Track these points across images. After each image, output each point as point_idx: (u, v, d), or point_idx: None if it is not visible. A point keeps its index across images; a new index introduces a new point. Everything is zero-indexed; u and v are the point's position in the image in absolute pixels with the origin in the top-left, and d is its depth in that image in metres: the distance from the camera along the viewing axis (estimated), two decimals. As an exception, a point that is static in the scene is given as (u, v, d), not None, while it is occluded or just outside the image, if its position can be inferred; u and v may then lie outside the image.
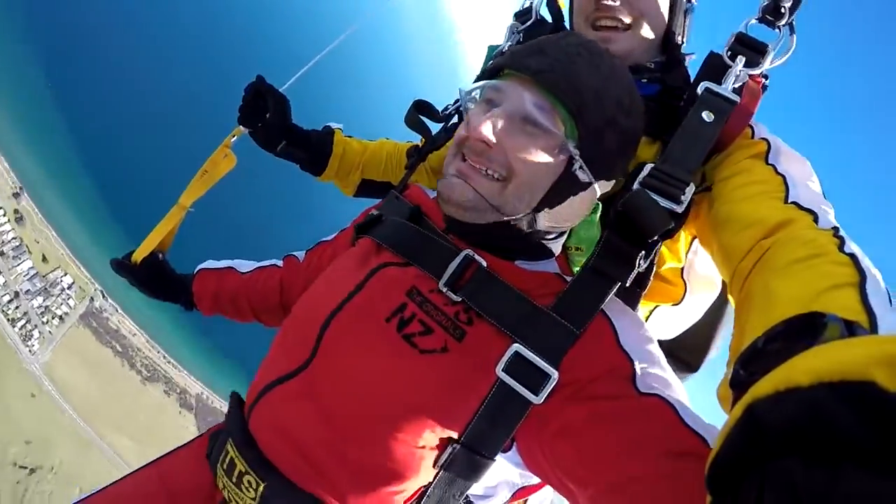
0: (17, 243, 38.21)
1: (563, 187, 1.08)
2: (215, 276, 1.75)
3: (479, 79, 1.46)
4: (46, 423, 29.32)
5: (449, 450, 0.99)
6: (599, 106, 1.06)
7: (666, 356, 1.14)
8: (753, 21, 1.35)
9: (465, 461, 0.99)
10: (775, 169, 1.09)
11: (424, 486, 1.03)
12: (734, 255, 1.01)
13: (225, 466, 1.11)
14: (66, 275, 36.47)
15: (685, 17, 1.50)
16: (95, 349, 35.61)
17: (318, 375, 1.08)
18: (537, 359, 0.95)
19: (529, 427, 0.96)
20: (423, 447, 1.00)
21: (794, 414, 0.42)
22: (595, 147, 1.06)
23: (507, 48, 1.72)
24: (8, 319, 33.58)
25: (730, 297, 1.02)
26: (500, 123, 1.05)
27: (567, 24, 1.62)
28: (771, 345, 0.61)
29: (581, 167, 1.06)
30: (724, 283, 1.20)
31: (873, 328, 0.65)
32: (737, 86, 1.25)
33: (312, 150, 1.89)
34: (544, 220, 1.11)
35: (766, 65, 1.30)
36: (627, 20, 1.41)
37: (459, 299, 1.05)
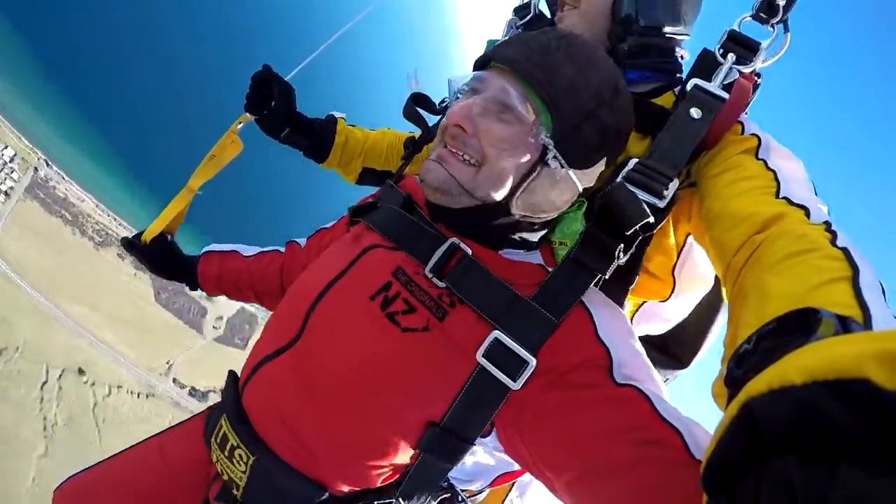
0: (-52, 122, 35.85)
1: (537, 176, 1.10)
2: (219, 259, 1.82)
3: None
4: (4, 303, 31.42)
5: (429, 432, 1.02)
6: (575, 97, 1.07)
7: (657, 351, 1.32)
8: (748, 18, 1.34)
9: (445, 444, 1.03)
10: (766, 164, 1.09)
11: (405, 466, 1.09)
12: (727, 250, 1.00)
13: (218, 440, 1.17)
14: (6, 147, 35.03)
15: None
16: (45, 220, 36.00)
17: (303, 352, 1.12)
18: (516, 346, 0.98)
19: (508, 413, 0.99)
20: (403, 427, 1.04)
21: (789, 412, 0.42)
22: (571, 139, 1.08)
23: None
24: (-49, 204, 32.98)
25: (723, 292, 1.01)
26: (476, 110, 1.09)
27: None
28: (764, 342, 0.61)
29: (556, 157, 1.08)
30: (717, 279, 1.27)
31: (867, 322, 0.64)
32: (727, 83, 1.26)
33: (315, 138, 1.97)
34: (518, 207, 1.13)
35: (758, 63, 1.29)
36: None
37: (444, 285, 1.08)
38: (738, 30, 1.32)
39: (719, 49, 1.29)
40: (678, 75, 1.43)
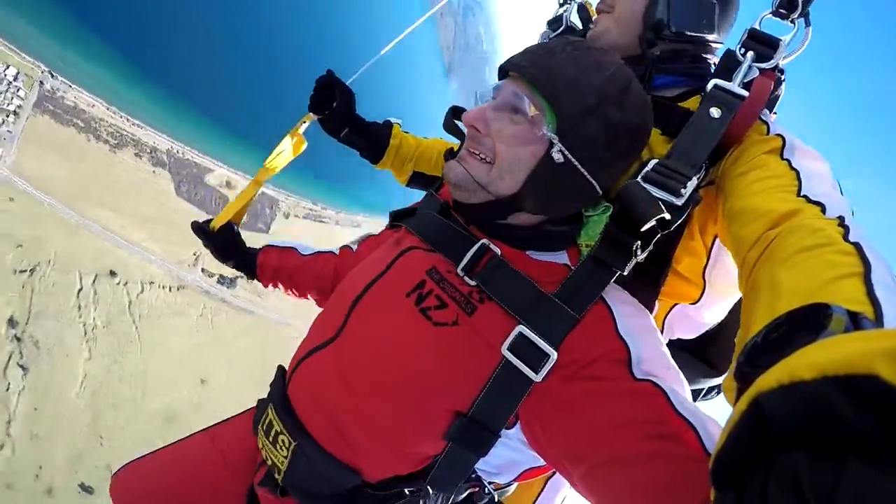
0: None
1: (545, 171, 1.16)
2: (278, 253, 2.00)
3: None
4: (31, 221, 32.68)
5: (456, 422, 1.08)
6: (576, 94, 1.13)
7: (693, 357, 1.46)
8: (768, 15, 1.35)
9: (471, 434, 1.08)
10: (790, 164, 1.11)
11: (434, 456, 1.15)
12: (743, 246, 1.03)
13: (264, 428, 1.28)
14: (8, 67, 33.36)
15: (682, 3, 1.45)
16: (58, 132, 35.37)
17: (343, 345, 1.23)
18: (539, 340, 1.03)
19: (531, 404, 1.05)
20: (432, 416, 1.10)
21: (798, 408, 0.42)
22: (575, 133, 1.13)
23: None
24: (-39, 135, 32.40)
25: (739, 287, 1.02)
26: (489, 113, 1.19)
27: None
28: (774, 337, 0.61)
29: (560, 150, 1.13)
30: None
31: (878, 319, 0.65)
32: (747, 81, 1.28)
33: (372, 140, 2.13)
34: (530, 203, 1.19)
35: (778, 59, 1.30)
36: (610, 1, 1.51)
37: (474, 283, 1.15)
38: (758, 28, 1.34)
39: (740, 48, 1.33)
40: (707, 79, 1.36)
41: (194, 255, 42.66)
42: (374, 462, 1.17)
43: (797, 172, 1.07)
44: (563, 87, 1.12)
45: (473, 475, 1.22)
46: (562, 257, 1.21)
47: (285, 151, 1.96)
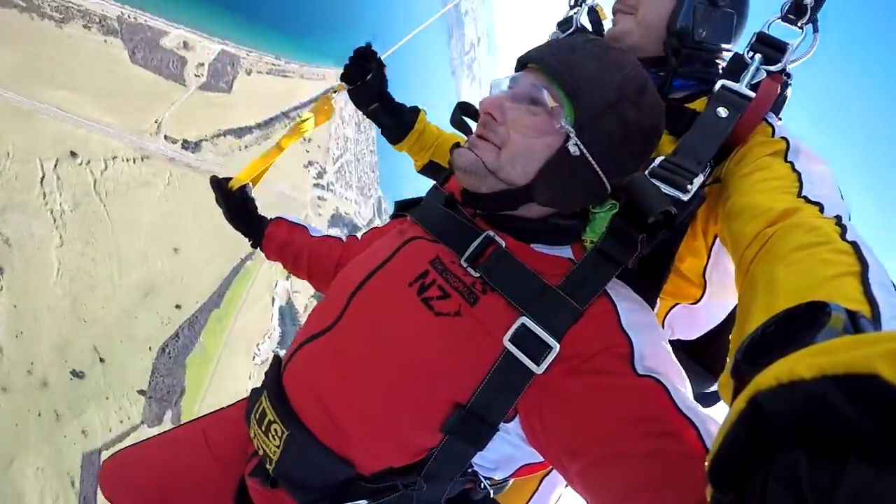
0: None
1: (559, 163, 1.15)
2: (288, 228, 1.95)
3: None
4: None
5: (454, 414, 1.06)
6: (596, 90, 1.14)
7: (691, 361, 1.44)
8: (777, 20, 1.38)
9: (469, 426, 1.07)
10: (793, 166, 1.13)
11: (430, 448, 1.12)
12: (741, 243, 1.04)
13: (257, 416, 1.25)
14: None
15: (703, 14, 1.49)
16: None
17: (341, 334, 1.21)
18: (541, 331, 1.03)
19: (531, 397, 1.03)
20: (430, 407, 1.09)
21: (797, 406, 0.42)
22: (593, 129, 1.14)
23: None
24: None
25: (735, 285, 1.04)
26: (506, 102, 1.18)
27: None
28: (773, 334, 0.61)
29: (576, 144, 1.13)
30: None
31: (876, 318, 0.66)
32: (754, 82, 1.31)
33: (398, 120, 2.16)
34: (541, 194, 1.18)
35: (786, 62, 1.33)
36: (633, 3, 1.54)
37: (478, 274, 1.14)
38: (766, 32, 1.38)
39: (748, 51, 1.36)
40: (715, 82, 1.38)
41: (156, 122, 41.74)
42: (368, 453, 1.16)
43: (799, 175, 1.10)
44: (584, 83, 1.14)
45: (469, 470, 1.19)
46: (566, 252, 1.22)
47: (311, 119, 1.96)
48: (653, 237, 1.09)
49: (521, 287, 1.10)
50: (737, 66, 1.35)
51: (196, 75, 47.20)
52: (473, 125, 1.44)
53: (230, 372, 46.25)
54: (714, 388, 1.77)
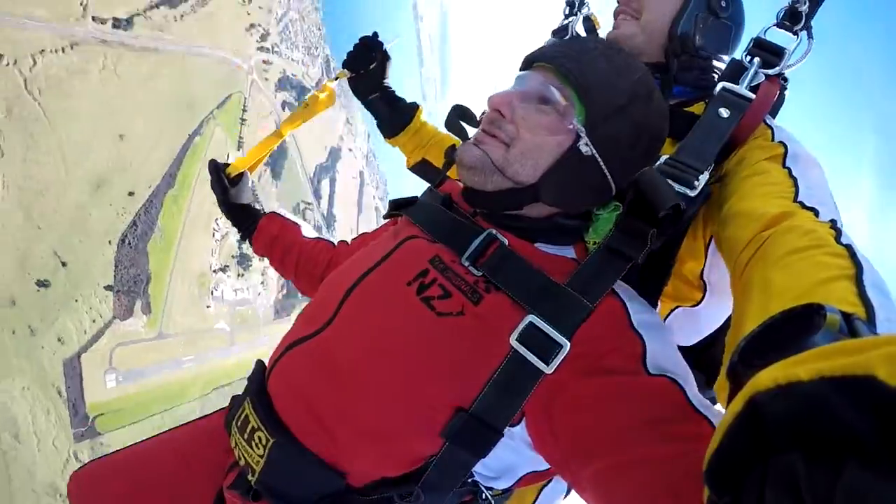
0: None
1: (569, 163, 1.14)
2: (281, 223, 1.88)
3: None
4: None
5: (456, 418, 0.99)
6: (607, 91, 1.13)
7: (691, 369, 1.32)
8: (773, 27, 1.42)
9: (472, 432, 1.00)
10: (790, 172, 1.14)
11: (428, 457, 1.04)
12: (736, 246, 1.04)
13: (239, 424, 1.16)
14: None
15: (704, 23, 1.54)
16: None
17: (333, 336, 1.13)
18: (551, 329, 0.98)
19: (539, 399, 0.97)
20: (430, 412, 1.02)
21: (795, 408, 0.42)
22: (603, 129, 1.13)
23: None
24: None
25: (730, 289, 1.04)
26: (515, 99, 1.16)
27: None
28: (768, 336, 0.61)
29: (587, 144, 1.12)
30: None
31: (871, 320, 0.66)
32: (753, 85, 1.34)
33: (396, 113, 2.12)
34: (549, 194, 1.16)
35: (783, 66, 1.38)
36: (637, 7, 1.57)
37: (480, 273, 1.09)
38: (763, 37, 1.42)
39: (746, 55, 1.39)
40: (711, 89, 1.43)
41: (80, 4, 36.51)
42: (361, 462, 1.07)
43: (795, 180, 1.11)
44: (596, 83, 1.14)
45: (470, 479, 1.11)
46: (569, 252, 1.19)
47: (312, 105, 1.91)
48: (663, 232, 1.09)
49: (527, 284, 1.05)
50: (735, 71, 1.39)
51: (115, -57, 39.73)
52: (471, 131, 1.52)
53: (193, 251, 46.94)
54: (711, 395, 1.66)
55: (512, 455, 1.10)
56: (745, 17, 1.65)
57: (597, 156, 1.14)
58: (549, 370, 0.96)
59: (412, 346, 1.06)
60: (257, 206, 1.94)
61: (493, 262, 1.10)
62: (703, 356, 1.67)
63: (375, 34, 2.03)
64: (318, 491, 1.11)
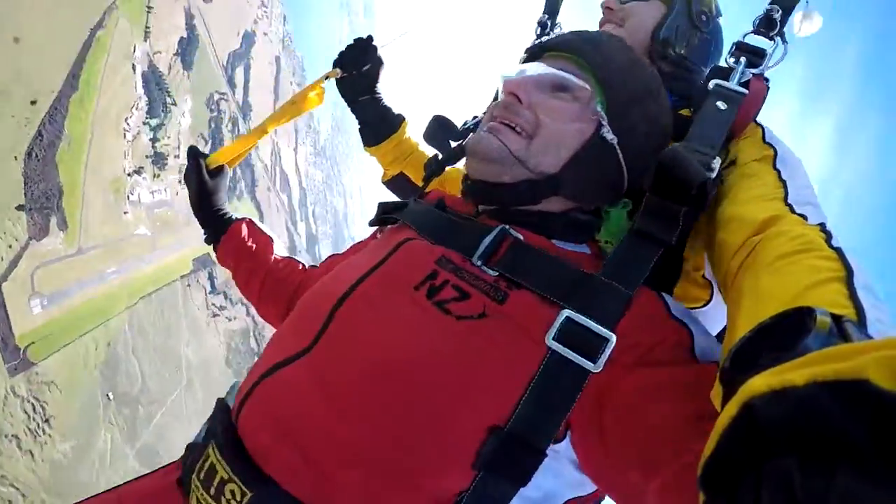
0: None
1: (591, 151, 1.11)
2: (253, 232, 1.75)
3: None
4: None
5: (491, 441, 0.87)
6: (626, 81, 1.15)
7: None
8: (751, 34, 1.51)
9: (512, 456, 0.87)
10: (779, 175, 1.15)
11: (458, 494, 0.89)
12: (727, 252, 1.02)
13: (202, 476, 0.98)
14: None
15: (686, 33, 1.65)
16: None
17: (325, 355, 0.99)
18: (591, 323, 0.90)
19: (586, 404, 0.89)
20: (457, 436, 0.89)
21: (789, 412, 0.42)
22: (623, 119, 1.13)
23: None
24: None
25: (721, 294, 1.04)
26: (530, 84, 1.13)
27: None
28: (760, 340, 0.61)
29: (608, 131, 1.12)
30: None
31: (861, 321, 0.65)
32: (742, 82, 1.39)
33: (382, 121, 2.09)
34: (569, 186, 1.13)
35: (766, 66, 1.46)
36: (622, 15, 1.68)
37: (496, 273, 1.01)
38: (744, 41, 1.50)
39: (730, 57, 1.47)
40: (687, 100, 1.53)
41: None
42: None
43: (784, 183, 1.11)
44: (617, 73, 1.13)
45: None
46: (584, 249, 1.14)
47: (299, 103, 1.85)
48: (692, 211, 1.06)
49: (555, 278, 0.98)
50: (722, 73, 1.43)
51: None
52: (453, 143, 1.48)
53: (104, 156, 43.84)
54: None
55: (553, 480, 0.96)
56: (723, 36, 1.75)
57: (615, 146, 1.13)
58: (596, 368, 0.88)
59: (428, 357, 0.93)
60: (229, 210, 1.79)
61: (510, 258, 1.02)
62: None
63: (370, 37, 1.94)
64: None
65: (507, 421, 0.88)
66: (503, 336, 0.94)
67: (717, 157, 1.16)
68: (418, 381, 0.92)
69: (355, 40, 1.95)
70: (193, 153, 1.75)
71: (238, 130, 58.29)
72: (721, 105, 1.29)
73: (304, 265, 1.72)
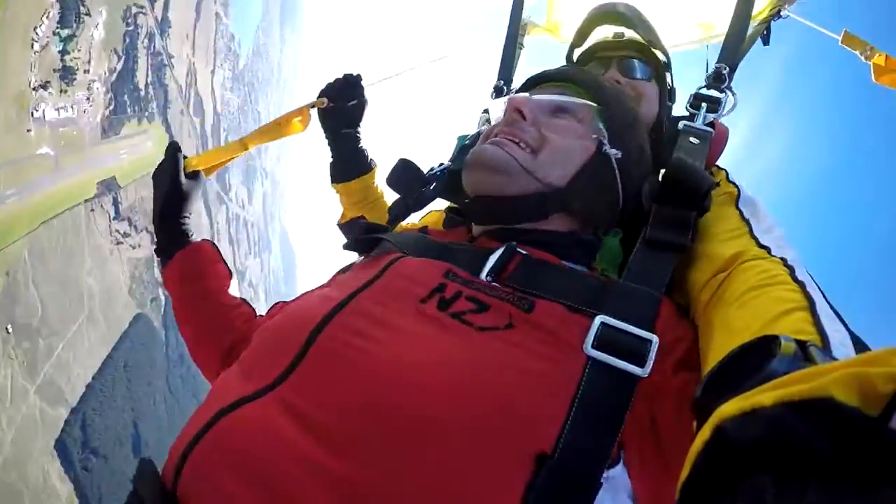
0: None
1: (596, 168, 1.15)
2: (214, 258, 1.60)
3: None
4: None
5: (542, 472, 0.73)
6: (621, 107, 1.22)
7: None
8: (703, 88, 1.74)
9: (565, 488, 0.73)
10: (741, 214, 1.21)
11: None
12: (695, 287, 1.05)
13: None
14: None
15: (668, 109, 1.90)
16: None
17: (306, 385, 0.84)
18: (629, 326, 0.86)
19: (638, 416, 0.82)
20: (500, 470, 0.73)
21: (759, 432, 0.43)
22: (620, 140, 1.18)
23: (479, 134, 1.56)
24: None
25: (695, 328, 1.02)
26: (534, 104, 1.17)
27: None
28: (729, 369, 0.62)
29: (609, 147, 1.16)
30: None
31: (826, 346, 0.68)
32: (706, 123, 1.55)
33: (356, 159, 2.15)
34: (576, 200, 1.14)
35: (723, 112, 1.68)
36: (631, 94, 1.77)
37: (509, 289, 0.95)
38: (701, 92, 1.72)
39: (689, 107, 1.67)
40: None
41: None
42: None
43: (748, 222, 1.16)
44: (612, 96, 1.21)
45: None
46: (586, 270, 1.12)
47: (283, 126, 1.84)
48: (702, 213, 1.11)
49: (577, 288, 0.94)
50: (685, 118, 1.62)
51: None
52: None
53: (9, 68, 40.08)
54: None
55: None
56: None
57: (614, 166, 1.18)
58: (644, 372, 0.82)
59: (452, 375, 0.79)
60: (191, 225, 1.64)
61: (523, 273, 0.97)
62: None
63: (359, 76, 2.01)
64: None
65: (555, 446, 0.75)
66: (536, 346, 0.84)
67: (711, 179, 1.20)
68: (443, 403, 0.76)
69: (344, 75, 2.00)
70: (174, 149, 1.62)
71: (154, 47, 54.82)
72: (693, 140, 1.39)
73: (255, 311, 1.56)
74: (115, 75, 47.01)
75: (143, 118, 52.79)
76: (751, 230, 1.12)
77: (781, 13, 2.22)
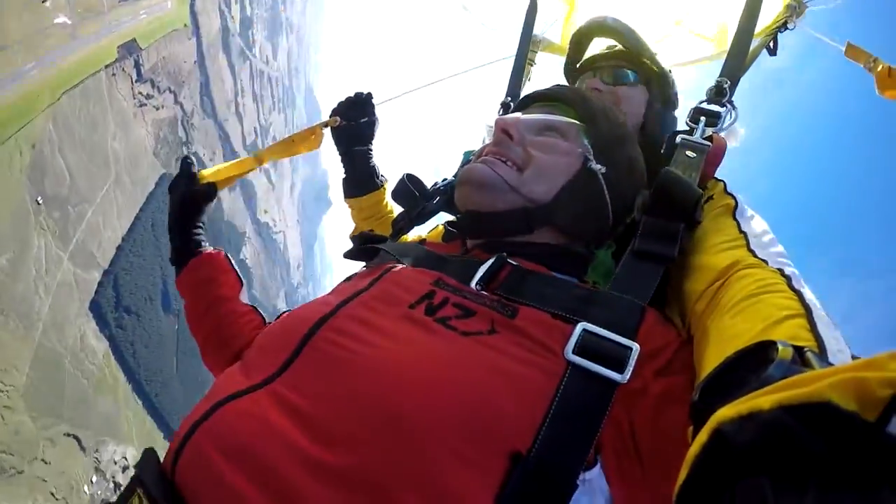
0: None
1: (581, 183, 1.18)
2: (226, 267, 1.68)
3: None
4: None
5: (517, 471, 0.76)
6: (608, 121, 1.24)
7: None
8: (704, 104, 1.69)
9: (539, 489, 0.76)
10: (739, 226, 1.20)
11: None
12: (691, 298, 1.05)
13: None
14: None
15: (662, 115, 1.92)
16: None
17: (299, 379, 0.90)
18: (611, 334, 0.89)
19: (616, 421, 0.84)
20: (476, 466, 0.76)
21: (758, 435, 0.44)
22: (606, 155, 1.20)
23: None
24: None
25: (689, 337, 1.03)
26: (521, 124, 1.21)
27: None
28: (726, 374, 0.63)
29: (594, 163, 1.18)
30: None
31: (823, 352, 0.68)
32: (704, 137, 1.52)
33: (368, 175, 2.20)
34: (562, 215, 1.17)
35: (722, 125, 1.63)
36: (611, 98, 1.87)
37: (496, 297, 0.99)
38: (701, 106, 1.67)
39: (689, 121, 1.62)
40: None
41: None
42: None
43: (745, 234, 1.16)
44: (599, 112, 1.23)
45: None
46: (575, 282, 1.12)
47: (297, 143, 1.93)
48: (691, 227, 1.12)
49: (563, 296, 0.97)
50: (684, 132, 1.57)
51: None
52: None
53: None
54: None
55: None
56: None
57: (601, 180, 1.20)
58: (623, 378, 0.84)
59: (436, 374, 0.84)
60: (204, 235, 1.74)
61: (512, 282, 1.01)
62: None
63: (370, 94, 2.10)
64: None
65: (531, 447, 0.78)
66: (517, 350, 0.88)
67: (701, 192, 1.21)
68: (419, 401, 0.80)
69: (356, 94, 2.11)
70: (185, 163, 1.72)
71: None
72: (690, 153, 1.41)
73: (264, 319, 1.63)
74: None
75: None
76: (748, 243, 1.11)
77: (788, 25, 2.27)
